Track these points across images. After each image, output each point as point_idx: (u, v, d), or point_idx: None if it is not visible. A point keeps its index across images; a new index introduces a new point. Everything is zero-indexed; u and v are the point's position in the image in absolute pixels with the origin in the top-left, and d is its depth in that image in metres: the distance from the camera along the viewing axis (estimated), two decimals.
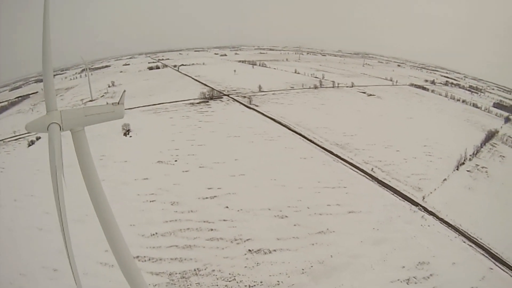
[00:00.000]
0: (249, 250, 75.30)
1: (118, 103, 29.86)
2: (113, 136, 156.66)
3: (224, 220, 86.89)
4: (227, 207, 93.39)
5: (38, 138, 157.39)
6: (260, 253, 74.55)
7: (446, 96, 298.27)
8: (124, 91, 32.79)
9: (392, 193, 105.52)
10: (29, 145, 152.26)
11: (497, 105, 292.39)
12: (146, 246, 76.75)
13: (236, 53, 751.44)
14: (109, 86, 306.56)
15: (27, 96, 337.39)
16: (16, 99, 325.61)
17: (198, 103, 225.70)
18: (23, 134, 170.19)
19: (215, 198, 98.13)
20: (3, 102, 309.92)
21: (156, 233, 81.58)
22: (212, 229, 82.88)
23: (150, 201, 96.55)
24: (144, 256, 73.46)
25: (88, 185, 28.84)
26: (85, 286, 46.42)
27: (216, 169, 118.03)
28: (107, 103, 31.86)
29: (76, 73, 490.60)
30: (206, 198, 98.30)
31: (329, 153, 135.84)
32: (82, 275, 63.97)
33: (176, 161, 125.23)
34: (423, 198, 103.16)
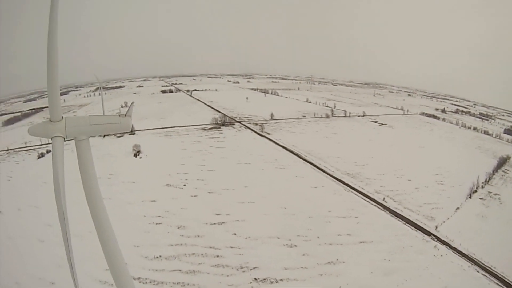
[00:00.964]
0: (255, 279, 72.79)
1: (126, 115, 28.66)
2: (123, 156, 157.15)
3: (231, 247, 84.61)
4: (234, 234, 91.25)
5: (48, 151, 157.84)
6: (266, 282, 72.00)
7: (457, 124, 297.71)
8: (133, 103, 31.78)
9: (404, 222, 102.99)
10: (39, 157, 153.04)
11: (508, 131, 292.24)
12: (148, 268, 74.87)
13: (248, 81, 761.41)
14: (122, 106, 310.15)
15: (41, 109, 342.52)
16: (30, 111, 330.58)
17: (209, 128, 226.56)
18: (33, 146, 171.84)
19: (223, 225, 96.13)
20: (16, 112, 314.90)
21: (160, 256, 79.66)
22: (218, 256, 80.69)
23: (156, 223, 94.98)
24: (146, 278, 71.51)
25: (88, 196, 27.46)
26: None
27: (225, 195, 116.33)
28: (115, 114, 30.53)
29: (90, 91, 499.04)
30: (214, 224, 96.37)
31: (340, 182, 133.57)
32: None
33: (185, 185, 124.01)
34: (436, 228, 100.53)
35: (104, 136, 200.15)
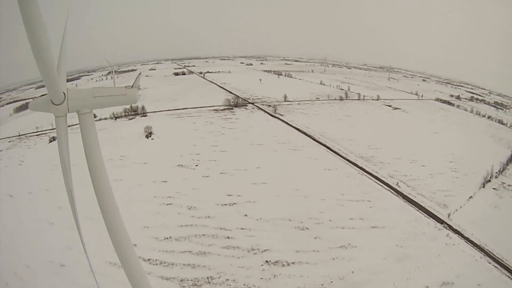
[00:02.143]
0: (266, 261, 72.25)
1: (132, 86, 27.14)
2: (134, 137, 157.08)
3: (242, 229, 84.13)
4: (246, 215, 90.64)
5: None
6: (278, 265, 71.42)
7: (471, 111, 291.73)
8: (140, 73, 30.22)
9: (417, 209, 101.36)
10: (50, 141, 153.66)
11: None
12: (158, 250, 74.89)
13: (262, 63, 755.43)
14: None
15: None
16: (41, 96, 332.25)
17: (222, 109, 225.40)
18: (45, 130, 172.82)
19: (234, 206, 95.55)
20: (28, 99, 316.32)
21: (170, 237, 79.51)
22: (228, 237, 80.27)
23: (167, 204, 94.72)
24: (156, 260, 71.40)
25: (92, 172, 26.17)
26: (91, 285, 44.26)
27: (237, 176, 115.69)
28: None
29: (102, 75, 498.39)
30: (225, 205, 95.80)
31: (353, 166, 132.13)
32: (89, 273, 62.36)
33: (196, 165, 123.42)
34: (449, 216, 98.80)
35: (116, 118, 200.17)
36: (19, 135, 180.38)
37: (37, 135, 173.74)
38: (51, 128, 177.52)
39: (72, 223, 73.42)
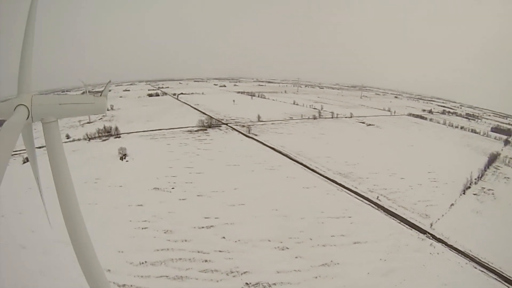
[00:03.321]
0: (247, 283, 69.31)
1: (101, 94, 25.09)
2: (109, 159, 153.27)
3: (220, 251, 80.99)
4: (224, 237, 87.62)
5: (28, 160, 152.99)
6: (259, 286, 68.55)
7: (444, 123, 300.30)
8: (109, 81, 28.03)
9: (399, 221, 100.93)
10: (24, 162, 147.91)
11: (495, 130, 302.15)
12: (134, 275, 71.12)
13: (235, 85, 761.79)
14: (107, 110, 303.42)
15: None
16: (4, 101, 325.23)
17: (196, 130, 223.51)
18: (18, 151, 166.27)
19: (212, 228, 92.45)
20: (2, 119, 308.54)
21: (145, 261, 75.84)
22: (206, 260, 77.07)
23: (143, 228, 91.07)
24: (131, 285, 67.80)
25: (58, 186, 23.70)
26: None
27: (214, 198, 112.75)
28: (88, 92, 26.91)
29: (76, 95, 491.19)
30: (202, 227, 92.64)
31: (332, 183, 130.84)
32: None
33: (173, 188, 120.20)
34: (431, 225, 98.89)
35: (90, 139, 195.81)
36: None
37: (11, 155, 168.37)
38: (24, 148, 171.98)
39: (45, 249, 69.44)
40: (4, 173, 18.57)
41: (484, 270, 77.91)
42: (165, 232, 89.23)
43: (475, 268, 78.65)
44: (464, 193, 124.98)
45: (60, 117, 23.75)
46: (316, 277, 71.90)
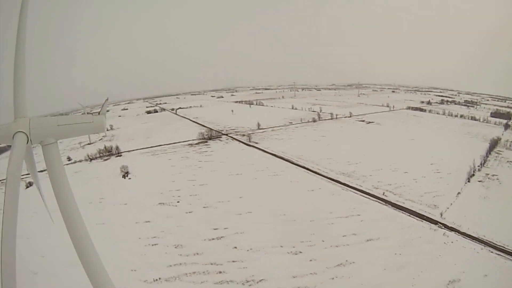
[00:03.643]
0: None
1: (99, 113, 24.71)
2: (111, 178, 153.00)
3: (233, 261, 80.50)
4: (235, 247, 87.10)
5: (32, 184, 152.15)
6: None
7: (443, 114, 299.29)
8: (107, 99, 27.70)
9: (409, 214, 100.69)
10: (27, 187, 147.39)
11: (495, 114, 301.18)
12: None
13: (232, 95, 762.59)
14: (107, 130, 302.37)
15: None
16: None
17: (196, 143, 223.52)
18: (21, 176, 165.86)
19: (222, 239, 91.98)
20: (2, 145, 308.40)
21: (159, 278, 75.34)
22: (220, 272, 76.55)
23: (153, 245, 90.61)
24: None
25: (61, 206, 23.30)
26: None
27: (220, 209, 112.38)
28: (86, 113, 26.57)
29: (74, 115, 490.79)
30: (212, 239, 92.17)
31: (336, 183, 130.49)
32: None
33: (178, 202, 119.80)
34: (441, 215, 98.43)
35: (91, 160, 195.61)
36: None
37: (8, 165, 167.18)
38: (27, 173, 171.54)
39: (55, 273, 68.46)
40: (17, 205, 18.56)
41: (501, 253, 77.70)
42: (175, 247, 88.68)
43: (491, 252, 78.47)
44: (469, 181, 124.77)
45: (59, 138, 23.46)
46: (332, 278, 71.41)
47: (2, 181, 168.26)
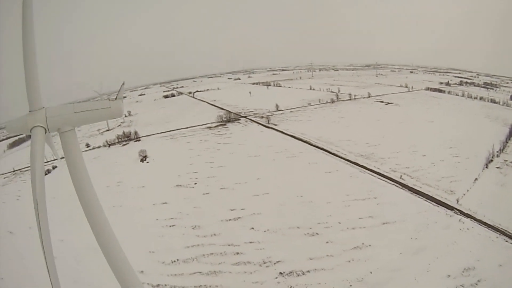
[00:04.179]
0: (280, 273, 69.59)
1: (116, 98, 24.78)
2: (130, 163, 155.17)
3: (250, 243, 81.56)
4: (252, 228, 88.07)
5: (54, 167, 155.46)
6: (293, 275, 68.79)
7: (463, 95, 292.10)
8: (123, 83, 27.70)
9: (425, 199, 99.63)
10: (45, 174, 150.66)
11: None
12: (167, 274, 72.20)
13: (249, 76, 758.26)
14: (125, 116, 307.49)
15: None
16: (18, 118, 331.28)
17: (215, 126, 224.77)
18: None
19: (239, 220, 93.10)
20: (21, 135, 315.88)
21: (177, 259, 76.77)
22: (238, 253, 77.71)
23: (170, 226, 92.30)
24: (165, 285, 68.73)
25: (79, 193, 23.69)
26: None
27: (238, 190, 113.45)
28: (103, 99, 26.51)
29: (90, 102, 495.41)
30: (230, 220, 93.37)
31: (354, 165, 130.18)
32: None
33: (195, 184, 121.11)
34: (457, 201, 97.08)
35: (109, 145, 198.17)
36: (14, 171, 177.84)
37: (30, 163, 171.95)
38: (45, 161, 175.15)
39: (76, 257, 70.07)
40: (45, 197, 19.09)
41: None
42: (193, 228, 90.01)
43: (507, 241, 76.96)
44: (487, 167, 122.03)
45: (77, 125, 23.63)
46: (349, 261, 71.79)
47: (20, 170, 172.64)
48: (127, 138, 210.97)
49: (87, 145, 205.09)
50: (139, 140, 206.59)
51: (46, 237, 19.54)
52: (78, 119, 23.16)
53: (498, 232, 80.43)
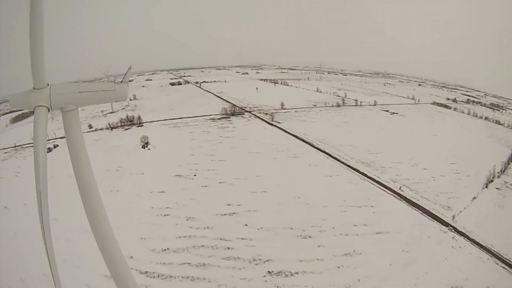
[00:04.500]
0: (269, 272, 69.63)
1: (122, 81, 24.59)
2: (131, 148, 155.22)
3: (242, 239, 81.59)
4: (246, 224, 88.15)
5: (55, 146, 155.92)
6: (281, 275, 68.82)
7: (468, 113, 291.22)
8: (130, 67, 27.44)
9: (421, 212, 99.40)
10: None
11: None
12: (156, 262, 72.25)
13: (257, 72, 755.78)
14: (130, 100, 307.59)
15: None
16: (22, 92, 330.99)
17: (219, 118, 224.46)
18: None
19: (234, 215, 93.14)
20: (24, 110, 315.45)
21: (168, 248, 76.89)
22: (229, 248, 77.73)
23: (164, 215, 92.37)
24: (153, 272, 68.73)
25: (77, 174, 23.59)
26: None
27: (236, 185, 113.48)
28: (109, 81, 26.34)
29: (96, 83, 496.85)
30: (224, 214, 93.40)
31: (354, 171, 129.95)
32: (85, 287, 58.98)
33: (195, 175, 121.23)
34: (453, 218, 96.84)
35: (112, 128, 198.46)
36: (15, 146, 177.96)
37: (33, 146, 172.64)
38: (47, 139, 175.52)
39: (67, 237, 70.29)
40: (47, 177, 19.13)
41: (506, 267, 75.98)
42: (187, 219, 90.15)
43: (497, 264, 76.79)
44: (486, 187, 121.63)
45: (80, 105, 23.33)
46: (338, 267, 71.78)
47: (22, 146, 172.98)
48: (130, 122, 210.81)
49: (90, 126, 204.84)
50: (142, 125, 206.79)
51: (48, 234, 19.40)
52: (82, 99, 22.89)
53: (489, 254, 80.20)
